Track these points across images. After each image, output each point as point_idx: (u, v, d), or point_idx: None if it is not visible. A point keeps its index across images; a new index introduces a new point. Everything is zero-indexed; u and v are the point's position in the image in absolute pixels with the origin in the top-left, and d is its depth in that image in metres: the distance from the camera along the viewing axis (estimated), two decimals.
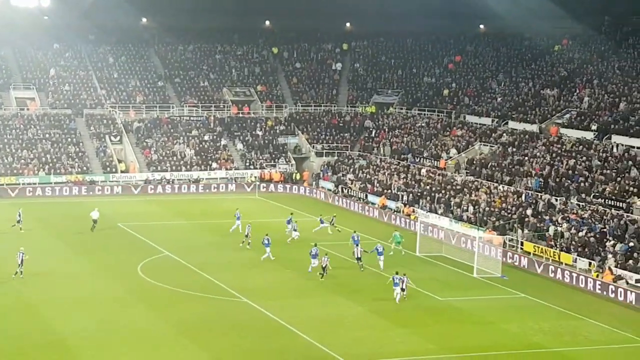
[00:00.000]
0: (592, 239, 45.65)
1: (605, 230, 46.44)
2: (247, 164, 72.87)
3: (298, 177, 71.74)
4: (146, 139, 73.78)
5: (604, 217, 48.01)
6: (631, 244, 44.04)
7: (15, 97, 75.23)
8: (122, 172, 69.38)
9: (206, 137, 75.41)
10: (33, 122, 73.05)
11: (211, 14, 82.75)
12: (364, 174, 68.02)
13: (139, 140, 73.68)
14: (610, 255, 43.58)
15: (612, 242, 44.84)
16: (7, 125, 71.94)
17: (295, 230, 50.57)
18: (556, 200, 52.35)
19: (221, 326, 34.73)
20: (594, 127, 60.56)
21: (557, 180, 54.85)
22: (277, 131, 77.77)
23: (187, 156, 72.40)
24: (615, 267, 42.51)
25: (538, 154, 60.10)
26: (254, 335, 33.70)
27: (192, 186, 69.17)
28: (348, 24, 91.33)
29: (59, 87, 77.93)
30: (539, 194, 53.76)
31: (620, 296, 40.41)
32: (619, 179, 52.11)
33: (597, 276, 42.46)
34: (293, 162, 74.14)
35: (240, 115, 79.63)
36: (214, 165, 71.88)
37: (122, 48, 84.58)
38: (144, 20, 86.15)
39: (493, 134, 66.42)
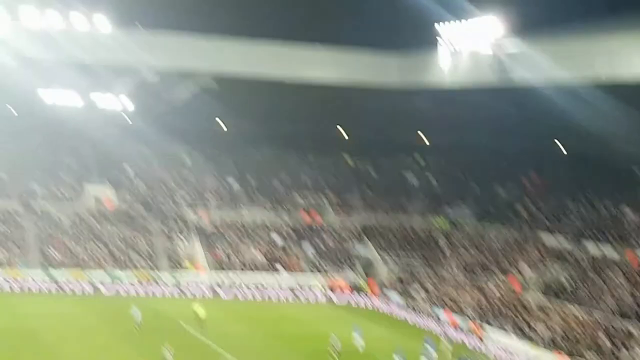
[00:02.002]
0: None
1: None
2: (316, 271, 72.03)
3: (366, 286, 70.59)
4: (216, 241, 73.79)
5: None
6: None
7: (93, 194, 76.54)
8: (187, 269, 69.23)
9: (277, 239, 75.11)
10: (107, 218, 73.94)
11: (286, 120, 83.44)
12: (434, 289, 66.59)
13: (209, 242, 73.71)
14: None
15: None
16: (82, 219, 72.95)
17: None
18: (634, 331, 50.32)
19: None
20: None
21: (635, 306, 52.84)
22: (348, 240, 77.13)
23: (256, 259, 71.98)
24: None
25: (614, 277, 58.16)
26: None
27: (259, 292, 68.34)
28: (423, 135, 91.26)
29: (135, 185, 78.98)
30: (615, 321, 51.77)
31: None
32: None
33: None
34: (362, 272, 73.14)
35: (312, 223, 79.35)
36: (282, 266, 71.20)
37: (199, 150, 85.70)
38: (221, 123, 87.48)
39: (568, 256, 64.68)
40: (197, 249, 72.63)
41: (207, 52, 67.95)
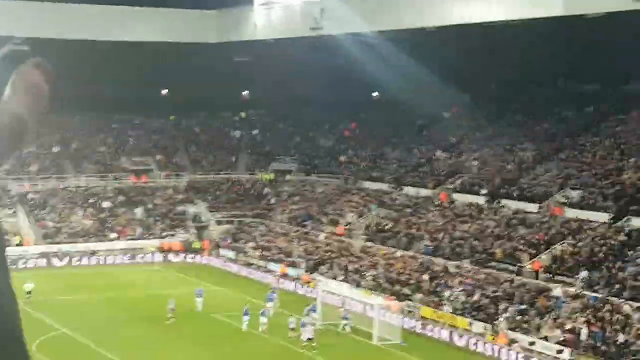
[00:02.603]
0: (486, 303, 47.19)
1: (498, 293, 48.08)
2: (147, 234, 72.50)
3: (198, 245, 71.76)
4: (41, 210, 72.91)
5: (497, 280, 49.75)
6: (523, 306, 45.72)
7: None
8: (17, 245, 68.15)
9: (104, 205, 74.94)
10: None
11: (109, 84, 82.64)
12: (264, 241, 68.66)
13: (34, 212, 72.74)
14: (502, 319, 45.10)
15: (504, 305, 46.42)
16: None
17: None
18: (450, 264, 53.99)
19: None
20: (483, 192, 62.80)
21: (451, 244, 56.61)
22: (177, 200, 77.94)
23: (85, 226, 71.73)
24: (509, 330, 44.00)
25: (432, 218, 61.91)
26: None
27: (90, 258, 68.30)
28: (245, 92, 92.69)
29: None
30: (434, 259, 55.38)
31: (513, 359, 41.79)
32: (509, 242, 54.11)
33: (492, 340, 43.86)
34: (193, 230, 74.24)
35: (139, 184, 79.57)
36: (113, 235, 71.34)
37: None
38: None
39: (389, 199, 68.15)
40: (23, 220, 71.59)
41: (20, 15, 66.60)
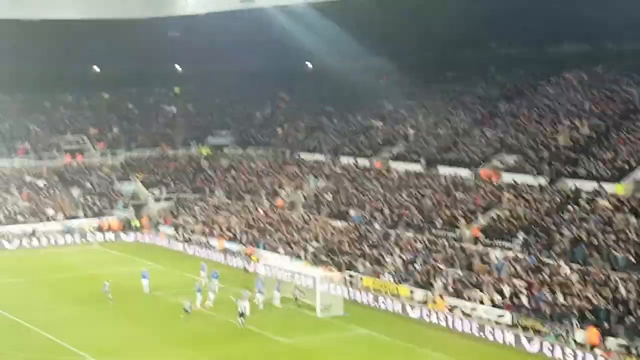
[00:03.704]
0: (426, 270, 47.58)
1: (438, 260, 48.49)
2: (85, 213, 71.51)
3: (137, 224, 71.04)
4: None
5: (437, 247, 50.18)
6: (463, 272, 46.20)
7: None
8: None
9: (40, 184, 73.74)
10: None
11: (39, 62, 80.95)
12: (203, 217, 68.27)
13: None
14: (441, 285, 45.50)
15: (444, 271, 46.86)
16: None
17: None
18: (390, 232, 54.32)
19: None
20: (420, 159, 63.15)
21: (390, 212, 56.91)
22: (113, 178, 77.00)
23: (22, 208, 70.52)
24: (450, 296, 44.44)
25: (370, 187, 62.13)
26: None
27: (29, 239, 67.20)
28: (178, 66, 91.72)
29: None
30: (373, 228, 55.63)
31: (458, 326, 42.24)
32: (448, 208, 54.58)
33: (433, 307, 44.27)
34: (131, 208, 73.46)
35: (75, 163, 78.43)
36: (50, 211, 70.17)
37: None
38: None
39: (327, 170, 68.22)
40: None
41: None
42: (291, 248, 57.00)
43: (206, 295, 46.80)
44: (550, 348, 37.69)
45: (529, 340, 38.66)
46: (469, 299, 43.52)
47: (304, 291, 47.29)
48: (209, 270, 51.39)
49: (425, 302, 45.37)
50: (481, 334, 40.74)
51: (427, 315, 43.99)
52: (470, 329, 41.43)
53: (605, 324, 37.66)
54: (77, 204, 72.70)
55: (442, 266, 47.62)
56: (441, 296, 44.50)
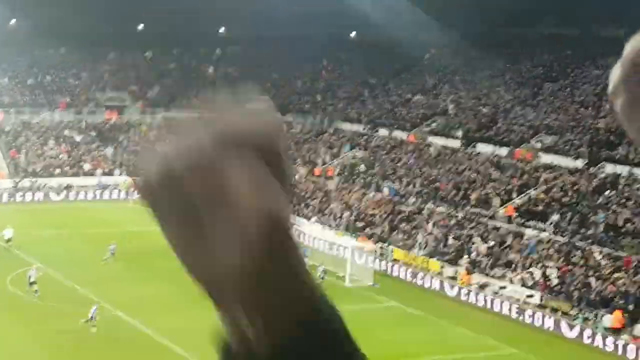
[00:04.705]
0: (458, 246, 47.47)
1: (470, 237, 48.35)
2: (121, 170, 72.06)
3: None
4: (15, 142, 72.24)
5: (470, 224, 50.00)
6: (495, 250, 46.05)
7: None
8: None
9: (78, 139, 74.36)
10: None
11: (84, 18, 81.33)
12: None
13: (7, 145, 72.05)
14: (471, 262, 45.39)
15: (476, 248, 46.73)
16: None
17: None
18: (423, 207, 54.18)
19: (97, 341, 34.67)
20: (459, 134, 62.84)
21: (424, 186, 56.74)
22: (152, 137, 77.30)
23: (59, 161, 71.19)
24: (481, 274, 44.36)
25: (406, 160, 61.94)
26: (129, 351, 33.81)
27: (65, 193, 67.85)
28: (222, 29, 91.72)
29: None
30: (407, 201, 55.52)
31: (485, 303, 42.18)
32: (483, 186, 54.30)
33: (463, 283, 44.23)
34: None
35: (114, 120, 78.96)
36: (87, 166, 70.72)
37: None
38: (14, 21, 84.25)
39: (364, 141, 68.08)
40: None
41: None
42: (324, 216, 57.09)
43: None
44: (578, 331, 37.57)
45: (558, 322, 38.51)
46: (499, 278, 43.41)
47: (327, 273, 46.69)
48: None
49: (454, 278, 45.32)
50: (509, 312, 40.65)
51: (456, 290, 43.95)
52: (500, 308, 41.34)
53: (633, 310, 37.43)
54: (113, 160, 73.27)
55: (474, 244, 47.46)
56: (468, 272, 44.40)
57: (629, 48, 1.18)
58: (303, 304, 1.12)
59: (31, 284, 40.17)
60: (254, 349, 1.08)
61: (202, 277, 1.09)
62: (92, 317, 35.99)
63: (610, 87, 1.18)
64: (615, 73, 1.18)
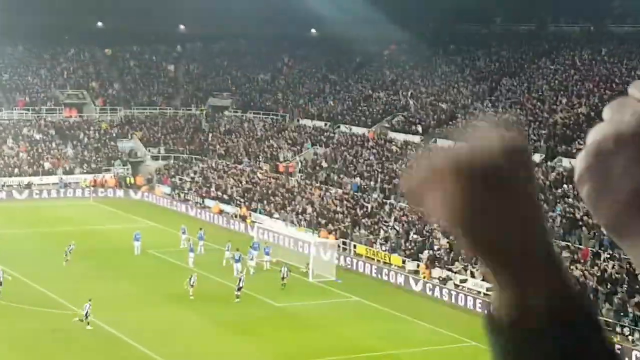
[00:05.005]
0: (419, 240, 47.98)
1: (431, 231, 48.84)
2: (81, 168, 71.73)
3: (133, 181, 71.20)
4: None
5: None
6: (455, 244, 46.63)
7: None
8: None
9: (37, 137, 73.88)
10: None
11: (43, 14, 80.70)
12: (201, 178, 68.57)
13: None
14: (432, 256, 45.92)
15: (438, 243, 47.26)
16: None
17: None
18: (385, 202, 54.67)
19: (55, 341, 34.61)
20: (419, 130, 63.44)
21: (387, 182, 57.23)
22: (112, 134, 77.14)
23: (19, 160, 70.71)
24: (442, 268, 44.89)
25: (367, 156, 62.42)
26: (91, 349, 33.85)
27: (24, 192, 67.49)
28: (182, 26, 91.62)
29: None
30: (369, 196, 55.96)
31: (447, 297, 42.73)
32: None
33: (425, 277, 44.74)
34: (128, 166, 73.58)
35: (73, 118, 78.55)
36: (47, 165, 70.35)
37: None
38: None
39: (325, 137, 68.45)
40: None
41: None
42: (287, 213, 57.37)
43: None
44: None
45: None
46: (460, 272, 43.96)
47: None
48: (193, 232, 51.36)
49: (416, 272, 45.83)
50: (473, 306, 41.22)
51: (419, 285, 44.45)
52: (464, 302, 41.86)
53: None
54: (74, 158, 72.90)
55: (435, 238, 47.97)
56: (428, 267, 44.92)
57: (590, 138, 1.27)
58: (566, 279, 1.32)
59: None
60: (531, 321, 1.29)
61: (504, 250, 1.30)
62: (86, 315, 35.69)
63: (576, 175, 1.29)
64: (580, 161, 1.27)
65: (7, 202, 65.83)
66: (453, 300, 42.33)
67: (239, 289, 40.84)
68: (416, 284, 44.60)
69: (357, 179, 59.18)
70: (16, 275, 43.28)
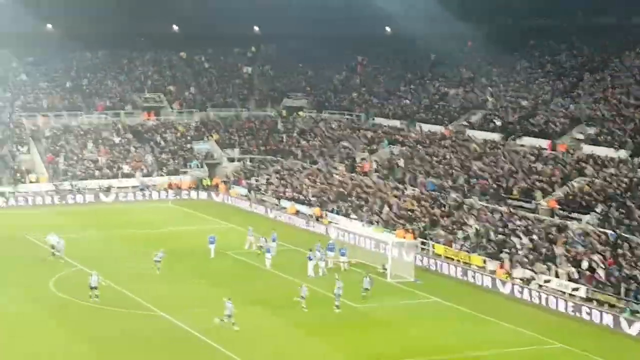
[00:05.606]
0: (501, 240, 46.74)
1: (513, 231, 47.57)
2: (159, 170, 72.11)
3: (210, 183, 71.33)
4: (55, 146, 72.57)
5: (512, 218, 49.22)
6: (538, 243, 45.25)
7: None
8: (32, 182, 67.91)
9: (116, 141, 74.63)
10: None
11: (120, 20, 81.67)
12: (278, 179, 68.24)
13: (47, 149, 72.36)
14: (516, 257, 44.65)
15: (520, 242, 45.97)
16: None
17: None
18: (464, 201, 53.48)
19: (138, 341, 34.49)
20: (498, 128, 62.05)
21: (467, 181, 56.03)
22: (188, 137, 77.43)
23: (98, 163, 71.41)
24: (524, 268, 43.60)
25: (447, 155, 61.27)
26: (171, 350, 33.58)
27: (104, 195, 68.11)
28: (256, 28, 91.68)
29: None
30: (448, 196, 54.79)
31: (529, 297, 41.47)
32: (525, 178, 53.46)
33: (507, 278, 43.53)
34: (205, 168, 73.75)
35: (151, 121, 79.13)
36: (126, 168, 70.90)
37: (29, 53, 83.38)
38: (49, 26, 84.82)
39: (401, 136, 67.52)
40: (36, 157, 71.32)
41: None
42: (363, 213, 56.58)
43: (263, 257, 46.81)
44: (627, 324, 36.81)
45: (604, 314, 37.75)
46: (544, 272, 42.64)
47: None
48: (267, 233, 50.93)
49: (498, 273, 44.60)
50: (554, 306, 39.93)
51: (500, 285, 43.28)
52: (546, 302, 40.58)
53: None
54: (151, 161, 73.31)
55: (517, 237, 46.70)
56: (510, 267, 43.70)
57: None
58: None
59: (92, 288, 39.78)
60: None
61: None
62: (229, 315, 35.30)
63: None
64: None
65: (95, 204, 66.70)
66: (537, 301, 41.02)
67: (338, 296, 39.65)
68: (496, 284, 43.38)
69: (435, 178, 58.08)
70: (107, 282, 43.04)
